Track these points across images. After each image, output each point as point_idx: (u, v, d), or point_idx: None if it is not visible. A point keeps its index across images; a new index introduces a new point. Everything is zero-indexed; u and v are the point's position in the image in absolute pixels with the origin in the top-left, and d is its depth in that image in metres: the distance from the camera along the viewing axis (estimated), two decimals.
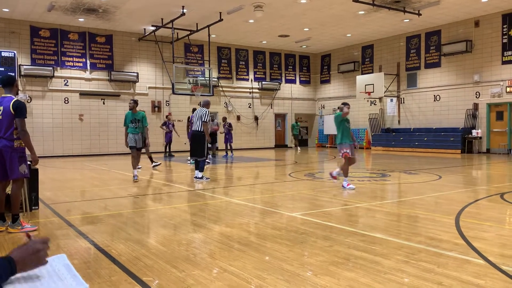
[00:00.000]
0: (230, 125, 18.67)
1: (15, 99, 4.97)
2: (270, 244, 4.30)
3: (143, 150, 10.74)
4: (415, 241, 4.36)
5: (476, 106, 18.80)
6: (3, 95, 5.05)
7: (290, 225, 5.18)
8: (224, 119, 19.35)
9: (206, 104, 9.95)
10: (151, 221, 5.58)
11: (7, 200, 5.43)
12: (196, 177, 9.74)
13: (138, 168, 10.68)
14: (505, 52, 17.73)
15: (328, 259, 3.77)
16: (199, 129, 9.68)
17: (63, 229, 5.12)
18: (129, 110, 9.96)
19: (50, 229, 5.14)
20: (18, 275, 1.30)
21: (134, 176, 9.95)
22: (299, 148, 23.08)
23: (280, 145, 26.19)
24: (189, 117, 15.13)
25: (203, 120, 9.62)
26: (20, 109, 4.91)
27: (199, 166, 9.75)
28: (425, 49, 20.72)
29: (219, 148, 19.57)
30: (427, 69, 20.73)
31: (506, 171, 11.83)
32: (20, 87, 17.94)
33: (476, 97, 18.82)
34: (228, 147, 18.54)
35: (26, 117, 4.97)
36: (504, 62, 17.77)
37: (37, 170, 6.53)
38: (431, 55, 20.48)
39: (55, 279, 1.29)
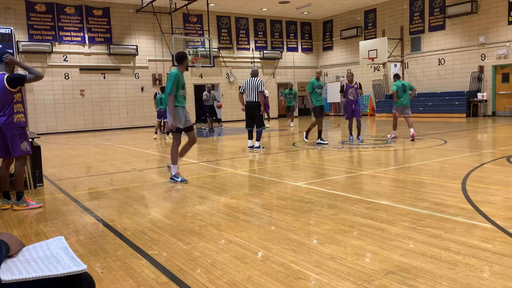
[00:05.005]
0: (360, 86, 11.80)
1: (7, 74, 4.89)
2: (276, 214, 4.29)
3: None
4: (421, 207, 4.32)
5: (481, 68, 18.50)
6: None
7: (295, 195, 5.16)
8: (347, 77, 11.91)
9: (257, 73, 9.86)
10: (156, 195, 5.58)
11: (11, 177, 5.43)
12: (253, 147, 9.83)
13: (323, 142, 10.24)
14: (511, 12, 17.29)
15: (333, 227, 3.75)
16: (255, 100, 9.63)
17: (68, 205, 5.12)
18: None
19: (55, 206, 5.15)
20: (14, 258, 1.28)
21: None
22: (292, 124, 17.29)
23: (284, 115, 26.00)
24: (155, 94, 14.47)
25: (259, 90, 9.58)
26: (17, 79, 4.86)
27: (257, 136, 9.84)
28: (429, 12, 20.23)
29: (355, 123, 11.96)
30: (431, 32, 20.31)
31: None
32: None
33: (481, 59, 18.49)
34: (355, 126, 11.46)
35: (26, 76, 4.95)
36: (510, 23, 17.36)
37: (39, 147, 6.51)
38: (435, 17, 20.01)
39: (52, 260, 1.28)
